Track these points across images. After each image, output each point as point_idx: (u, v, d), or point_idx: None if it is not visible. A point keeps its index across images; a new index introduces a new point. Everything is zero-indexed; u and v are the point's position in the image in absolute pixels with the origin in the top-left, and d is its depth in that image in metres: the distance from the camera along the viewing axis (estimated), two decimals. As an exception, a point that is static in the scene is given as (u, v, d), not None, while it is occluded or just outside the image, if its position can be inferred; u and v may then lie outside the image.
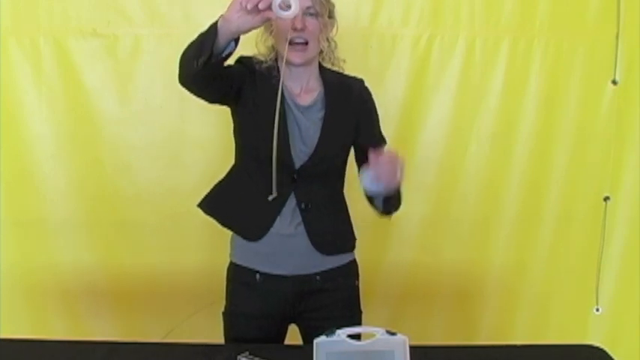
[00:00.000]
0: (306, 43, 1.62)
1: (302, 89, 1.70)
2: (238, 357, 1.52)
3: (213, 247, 2.12)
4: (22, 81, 2.31)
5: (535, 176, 2.44)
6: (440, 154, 2.41)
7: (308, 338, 1.67)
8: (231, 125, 1.74)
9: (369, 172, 1.51)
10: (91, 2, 2.29)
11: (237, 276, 1.74)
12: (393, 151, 1.49)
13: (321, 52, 1.69)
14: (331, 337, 1.39)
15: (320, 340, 1.39)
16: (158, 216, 2.38)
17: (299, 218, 1.67)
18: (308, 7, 1.60)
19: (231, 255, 1.76)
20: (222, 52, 1.47)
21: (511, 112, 2.41)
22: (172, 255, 2.39)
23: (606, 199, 2.48)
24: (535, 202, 2.46)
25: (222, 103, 1.68)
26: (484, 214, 2.46)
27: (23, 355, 1.59)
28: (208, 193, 1.77)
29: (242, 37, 1.50)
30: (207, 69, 1.45)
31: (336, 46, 1.72)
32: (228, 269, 1.77)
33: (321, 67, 1.73)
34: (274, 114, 1.59)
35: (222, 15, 1.45)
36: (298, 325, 1.78)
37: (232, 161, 1.77)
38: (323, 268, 1.71)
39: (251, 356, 1.53)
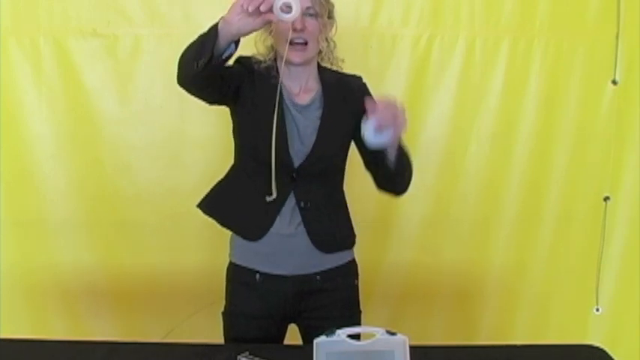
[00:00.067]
0: (306, 44, 1.63)
1: (301, 89, 1.70)
2: (238, 357, 1.52)
3: (213, 247, 2.12)
4: (22, 81, 2.31)
5: (535, 176, 2.44)
6: (440, 154, 2.42)
7: (308, 338, 1.67)
8: (231, 125, 1.74)
9: (370, 123, 1.45)
10: (91, 2, 2.29)
11: (237, 276, 1.74)
12: (391, 97, 1.47)
13: (320, 52, 1.70)
14: (331, 337, 1.39)
15: (320, 340, 1.39)
16: (158, 216, 2.38)
17: (299, 217, 1.67)
18: (307, 8, 1.60)
19: (230, 255, 1.76)
20: (223, 54, 1.47)
21: (511, 112, 2.41)
22: (172, 255, 2.39)
23: (606, 199, 2.48)
24: (535, 202, 2.46)
25: (221, 103, 1.68)
26: (484, 214, 2.46)
27: (23, 355, 1.59)
28: (208, 194, 1.77)
29: (242, 38, 1.50)
30: (207, 70, 1.45)
31: (335, 46, 1.72)
32: (228, 269, 1.77)
33: (319, 66, 1.73)
34: (272, 114, 1.60)
35: (222, 17, 1.45)
36: (298, 325, 1.78)
37: (232, 161, 1.77)
38: (323, 268, 1.71)
39: (251, 356, 1.53)
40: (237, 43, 1.49)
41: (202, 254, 2.35)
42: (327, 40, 1.69)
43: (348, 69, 1.76)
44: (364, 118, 1.48)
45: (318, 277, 1.70)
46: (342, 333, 1.40)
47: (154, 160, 2.37)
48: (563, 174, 2.45)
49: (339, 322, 1.46)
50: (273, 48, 1.69)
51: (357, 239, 1.80)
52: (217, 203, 1.75)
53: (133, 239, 2.39)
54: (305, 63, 1.66)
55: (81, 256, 2.38)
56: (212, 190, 1.77)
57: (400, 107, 1.45)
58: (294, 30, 1.58)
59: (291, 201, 1.67)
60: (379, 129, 1.45)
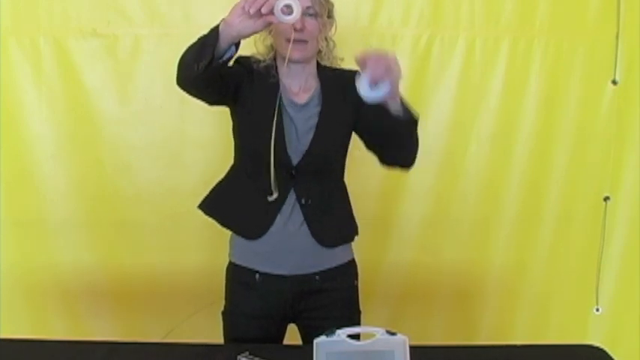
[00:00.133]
0: (305, 42, 1.63)
1: (300, 88, 1.70)
2: (238, 357, 1.52)
3: (213, 247, 2.12)
4: (22, 81, 2.31)
5: (535, 176, 2.44)
6: (440, 154, 2.41)
7: (307, 338, 1.67)
8: (231, 125, 1.74)
9: (364, 79, 1.41)
10: (91, 2, 2.29)
11: (237, 276, 1.74)
12: (382, 49, 1.43)
13: (320, 51, 1.70)
14: (331, 337, 1.39)
15: (320, 340, 1.39)
16: (158, 216, 2.38)
17: (300, 214, 1.67)
18: (307, 8, 1.60)
19: (230, 255, 1.76)
20: (223, 55, 1.47)
21: (511, 112, 2.41)
22: (172, 255, 2.39)
23: (606, 199, 2.48)
24: (535, 202, 2.46)
25: (221, 103, 1.69)
26: (484, 214, 2.46)
27: (23, 355, 1.59)
28: (208, 194, 1.77)
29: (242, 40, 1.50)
30: (207, 72, 1.45)
31: (334, 46, 1.72)
32: (228, 269, 1.77)
33: (319, 65, 1.73)
34: (271, 113, 1.60)
35: (223, 19, 1.45)
36: (297, 325, 1.78)
37: (232, 161, 1.77)
38: (322, 268, 1.71)
39: (251, 356, 1.53)
40: (237, 45, 1.50)
41: (202, 254, 2.35)
42: (326, 39, 1.69)
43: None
44: (357, 74, 1.44)
45: (317, 277, 1.70)
46: (342, 333, 1.40)
47: (154, 160, 2.37)
48: (563, 174, 2.45)
49: (338, 323, 1.46)
50: (272, 47, 1.70)
51: (357, 239, 1.80)
52: (217, 203, 1.75)
53: (133, 239, 2.39)
54: (304, 60, 1.66)
55: (81, 256, 2.38)
56: (212, 191, 1.77)
57: (392, 58, 1.41)
58: (294, 29, 1.58)
59: (291, 198, 1.67)
60: (374, 83, 1.41)
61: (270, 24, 1.47)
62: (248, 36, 1.48)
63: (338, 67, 1.74)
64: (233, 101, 1.67)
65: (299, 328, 1.78)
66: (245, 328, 1.72)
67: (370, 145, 1.66)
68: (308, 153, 1.65)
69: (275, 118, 1.59)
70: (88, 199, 2.37)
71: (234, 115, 1.72)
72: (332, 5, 1.69)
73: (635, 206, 2.48)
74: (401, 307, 2.46)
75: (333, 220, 1.72)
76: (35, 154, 2.34)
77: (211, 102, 1.66)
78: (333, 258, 1.73)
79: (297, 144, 1.65)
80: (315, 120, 1.67)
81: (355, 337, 1.42)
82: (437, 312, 2.49)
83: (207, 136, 2.32)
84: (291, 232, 1.67)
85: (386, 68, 1.40)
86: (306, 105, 1.68)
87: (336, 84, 1.70)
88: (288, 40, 1.59)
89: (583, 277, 2.52)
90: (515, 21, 2.36)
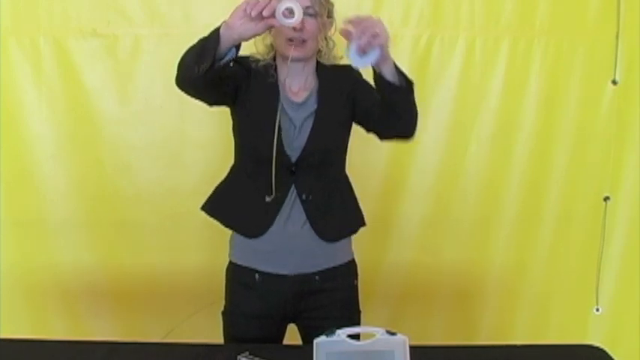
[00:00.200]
0: (305, 42, 1.63)
1: (300, 87, 1.70)
2: (238, 357, 1.52)
3: (213, 247, 2.12)
4: (22, 81, 2.31)
5: (535, 176, 2.44)
6: (440, 154, 2.41)
7: (307, 338, 1.67)
8: (231, 124, 1.74)
9: (352, 49, 1.43)
10: (91, 2, 2.29)
11: (237, 276, 1.74)
12: (365, 15, 1.43)
13: (320, 50, 1.70)
14: (331, 337, 1.39)
15: (320, 340, 1.39)
16: (158, 216, 2.38)
17: (301, 212, 1.67)
18: (307, 7, 1.60)
19: (230, 255, 1.76)
20: (224, 57, 1.48)
21: (511, 112, 2.41)
22: (172, 255, 2.39)
23: (606, 199, 2.48)
24: (535, 202, 2.46)
25: (221, 104, 1.69)
26: (484, 214, 2.46)
27: (23, 355, 1.59)
28: (210, 195, 1.77)
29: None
30: (207, 74, 1.45)
31: (334, 46, 1.72)
32: (228, 269, 1.77)
33: (318, 64, 1.73)
34: (270, 112, 1.60)
35: (224, 21, 1.45)
36: (297, 325, 1.78)
37: (232, 161, 1.77)
38: (322, 268, 1.71)
39: (251, 356, 1.53)
40: (237, 47, 1.50)
41: (202, 254, 2.35)
42: (326, 39, 1.70)
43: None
44: (346, 45, 1.45)
45: (317, 277, 1.70)
46: (342, 333, 1.40)
47: (154, 160, 2.37)
48: (563, 174, 2.45)
49: (338, 323, 1.46)
50: (272, 47, 1.70)
51: (357, 239, 1.79)
52: (219, 204, 1.75)
53: (133, 239, 2.39)
54: (304, 59, 1.67)
55: (81, 256, 2.38)
56: (214, 192, 1.77)
57: (377, 23, 1.42)
58: (294, 29, 1.58)
59: (292, 194, 1.67)
60: (362, 51, 1.42)
61: (271, 27, 1.47)
62: (249, 38, 1.49)
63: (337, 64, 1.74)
64: (232, 101, 1.68)
65: (299, 328, 1.78)
66: (245, 328, 1.72)
67: (370, 124, 1.66)
68: (306, 149, 1.65)
69: (278, 118, 1.59)
70: (88, 199, 2.37)
71: (234, 114, 1.72)
72: (332, 5, 1.69)
73: (635, 206, 2.48)
74: (401, 307, 2.46)
75: (335, 214, 1.72)
76: (35, 154, 2.34)
77: (211, 102, 1.66)
78: (333, 256, 1.73)
79: (295, 142, 1.66)
80: (312, 117, 1.67)
81: (355, 337, 1.42)
82: (437, 312, 2.49)
83: (207, 136, 2.32)
84: (291, 231, 1.67)
85: (372, 35, 1.40)
86: (303, 103, 1.69)
87: (333, 81, 1.71)
88: (289, 40, 1.59)
89: (583, 277, 2.52)
90: (515, 21, 2.36)
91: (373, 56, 1.43)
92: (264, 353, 1.54)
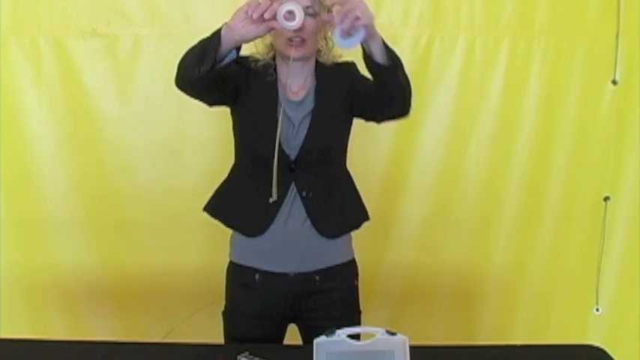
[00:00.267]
0: (304, 41, 1.63)
1: (299, 86, 1.70)
2: (238, 357, 1.52)
3: (213, 247, 2.13)
4: (22, 81, 2.32)
5: (535, 176, 2.44)
6: (440, 154, 2.42)
7: (307, 338, 1.67)
8: (231, 124, 1.74)
9: (335, 31, 1.45)
10: (91, 2, 2.29)
11: (237, 276, 1.74)
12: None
13: (319, 50, 1.70)
14: (331, 337, 1.39)
15: (320, 340, 1.39)
16: (158, 216, 2.38)
17: (301, 210, 1.67)
18: (307, 7, 1.60)
19: (230, 254, 1.76)
20: (224, 59, 1.48)
21: (511, 112, 2.41)
22: (172, 255, 2.39)
23: (606, 199, 2.48)
24: (535, 202, 2.46)
25: (221, 104, 1.69)
26: (484, 214, 2.46)
27: (23, 355, 1.58)
28: (212, 196, 1.77)
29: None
30: (208, 75, 1.45)
31: (333, 45, 1.72)
32: (228, 269, 1.77)
33: (318, 63, 1.73)
34: (269, 111, 1.61)
35: (225, 23, 1.46)
36: (298, 324, 1.77)
37: (232, 161, 1.77)
38: (323, 266, 1.71)
39: (251, 356, 1.53)
40: (238, 48, 1.50)
41: (202, 254, 2.35)
42: (325, 39, 1.69)
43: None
44: (332, 29, 1.47)
45: (317, 277, 1.70)
46: (342, 333, 1.40)
47: (154, 160, 2.37)
48: (563, 174, 2.45)
49: (338, 323, 1.46)
50: (272, 46, 1.70)
51: (358, 239, 1.79)
52: (220, 204, 1.75)
53: (133, 239, 2.39)
54: (303, 58, 1.67)
55: (81, 256, 2.39)
56: (215, 192, 1.77)
57: (358, 4, 1.42)
58: (293, 29, 1.58)
59: (292, 192, 1.67)
60: (347, 34, 1.44)
61: (272, 29, 1.48)
62: (250, 40, 1.49)
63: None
64: (232, 101, 1.68)
65: (299, 328, 1.78)
66: (245, 328, 1.72)
67: (367, 110, 1.67)
68: (304, 148, 1.65)
69: (280, 118, 1.59)
70: (88, 199, 2.37)
71: (234, 114, 1.72)
72: (332, 5, 1.69)
73: (635, 206, 2.48)
74: (401, 307, 2.46)
75: (336, 210, 1.71)
76: (35, 154, 2.35)
77: (211, 103, 1.66)
78: (334, 254, 1.72)
79: (294, 140, 1.66)
80: (309, 116, 1.67)
81: (355, 337, 1.42)
82: (437, 312, 2.49)
83: (207, 136, 2.32)
84: (292, 228, 1.67)
85: (354, 18, 1.41)
86: (301, 102, 1.69)
87: (331, 79, 1.70)
88: (288, 40, 1.60)
89: (583, 277, 2.52)
90: (515, 21, 2.36)
91: (357, 37, 1.45)
92: (264, 353, 1.54)
